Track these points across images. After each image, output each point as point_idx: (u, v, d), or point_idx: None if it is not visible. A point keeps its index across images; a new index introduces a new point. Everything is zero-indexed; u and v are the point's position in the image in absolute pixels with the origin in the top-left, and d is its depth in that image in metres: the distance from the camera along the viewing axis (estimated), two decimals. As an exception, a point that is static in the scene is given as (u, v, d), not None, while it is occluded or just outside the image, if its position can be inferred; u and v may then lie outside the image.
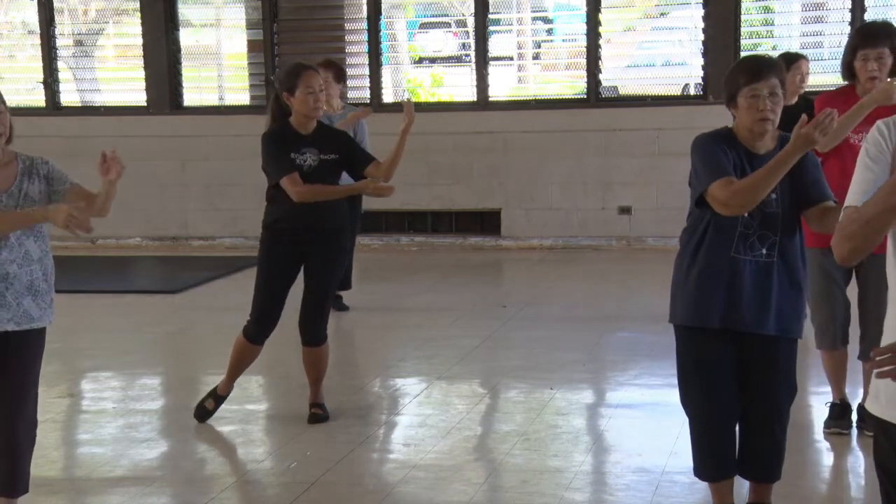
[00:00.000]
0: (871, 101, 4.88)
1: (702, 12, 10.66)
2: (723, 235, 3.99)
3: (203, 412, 5.85)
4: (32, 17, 12.28)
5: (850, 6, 10.37)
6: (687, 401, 4.22)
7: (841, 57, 5.27)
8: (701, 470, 4.27)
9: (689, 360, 4.17)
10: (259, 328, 5.73)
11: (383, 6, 11.41)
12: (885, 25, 5.35)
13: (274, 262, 5.66)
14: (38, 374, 4.31)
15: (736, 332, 4.06)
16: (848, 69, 5.16)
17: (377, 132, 11.14)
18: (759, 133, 3.95)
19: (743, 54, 9.82)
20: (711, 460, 4.22)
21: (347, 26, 11.64)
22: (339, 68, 8.18)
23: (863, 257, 2.79)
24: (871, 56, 5.04)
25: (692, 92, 10.95)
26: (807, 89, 7.07)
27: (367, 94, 11.43)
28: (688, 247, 4.10)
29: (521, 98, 11.51)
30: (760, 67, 3.97)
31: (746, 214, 3.95)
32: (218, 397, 5.89)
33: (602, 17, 10.90)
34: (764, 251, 3.98)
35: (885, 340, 2.68)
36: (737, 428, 4.22)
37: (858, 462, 5.15)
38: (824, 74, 10.18)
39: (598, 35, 10.89)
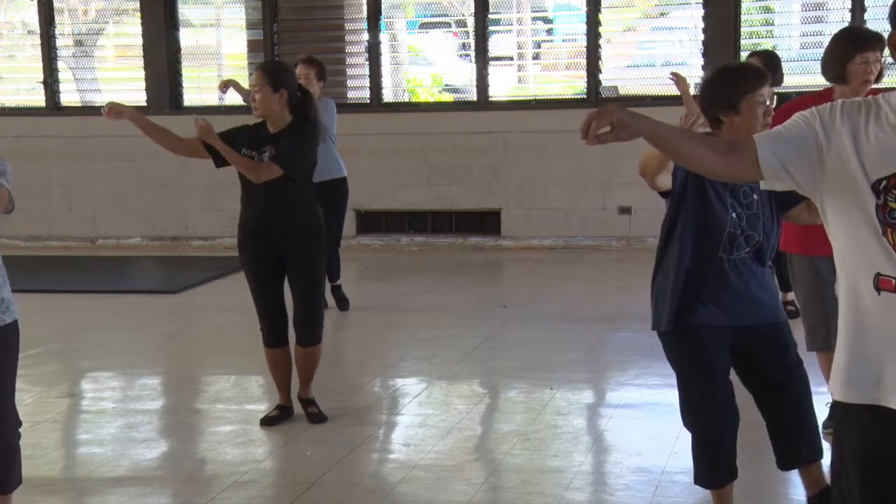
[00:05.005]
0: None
1: (702, 12, 10.66)
2: (711, 236, 4.00)
3: (267, 420, 5.80)
4: (32, 17, 12.28)
5: (850, 6, 10.36)
6: (690, 409, 4.14)
7: (827, 56, 5.09)
8: (706, 479, 4.19)
9: (690, 367, 4.11)
10: (267, 332, 5.75)
11: (383, 6, 11.40)
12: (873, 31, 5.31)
13: (255, 273, 5.66)
14: (11, 372, 4.18)
15: (730, 334, 4.05)
16: (841, 72, 5.03)
17: (377, 132, 11.20)
18: None
19: (743, 54, 9.82)
20: (719, 468, 4.14)
21: (347, 26, 11.64)
22: (321, 66, 8.16)
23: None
24: (871, 59, 5.00)
25: (692, 92, 10.93)
26: (796, 90, 7.10)
27: (367, 94, 11.44)
28: (668, 248, 4.11)
29: (521, 98, 11.51)
30: (761, 74, 4.01)
31: (734, 215, 3.97)
32: (281, 407, 5.85)
33: (602, 17, 10.90)
34: (747, 249, 4.02)
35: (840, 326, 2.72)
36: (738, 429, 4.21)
37: (858, 462, 5.15)
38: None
39: (598, 35, 10.88)
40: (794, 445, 4.20)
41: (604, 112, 2.63)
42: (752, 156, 2.63)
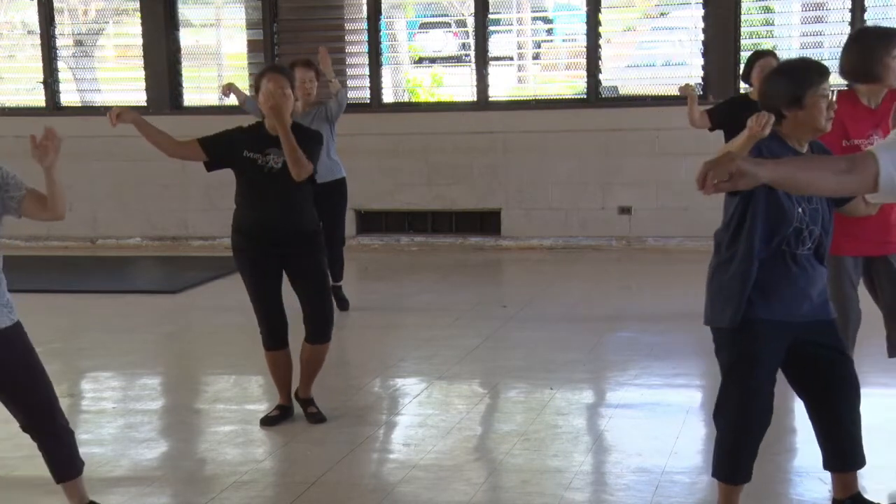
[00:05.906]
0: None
1: (702, 12, 10.67)
2: (778, 231, 3.99)
3: (267, 420, 5.80)
4: (32, 17, 12.29)
5: (850, 6, 10.37)
6: (725, 406, 4.10)
7: (856, 57, 5.00)
8: (724, 474, 4.15)
9: (737, 363, 4.06)
10: (268, 335, 5.74)
11: (383, 6, 11.41)
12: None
13: (255, 276, 5.63)
14: (37, 362, 4.22)
15: (786, 330, 4.03)
16: (877, 69, 4.93)
17: (377, 132, 11.20)
18: (824, 131, 4.00)
19: (743, 54, 9.82)
20: (739, 467, 4.12)
21: (347, 26, 11.65)
22: (317, 67, 8.19)
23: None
24: None
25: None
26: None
27: (367, 94, 11.44)
28: (734, 245, 4.07)
29: (521, 98, 11.51)
30: (824, 69, 4.03)
31: (800, 210, 3.97)
32: (281, 407, 5.85)
33: (602, 17, 10.90)
34: (810, 244, 4.02)
35: None
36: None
37: (858, 462, 5.14)
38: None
39: (598, 35, 10.89)
40: (847, 450, 4.17)
41: (722, 162, 2.57)
42: (872, 171, 2.56)
